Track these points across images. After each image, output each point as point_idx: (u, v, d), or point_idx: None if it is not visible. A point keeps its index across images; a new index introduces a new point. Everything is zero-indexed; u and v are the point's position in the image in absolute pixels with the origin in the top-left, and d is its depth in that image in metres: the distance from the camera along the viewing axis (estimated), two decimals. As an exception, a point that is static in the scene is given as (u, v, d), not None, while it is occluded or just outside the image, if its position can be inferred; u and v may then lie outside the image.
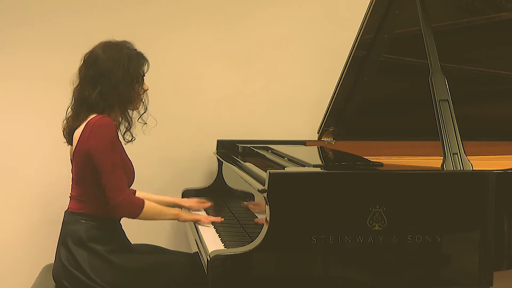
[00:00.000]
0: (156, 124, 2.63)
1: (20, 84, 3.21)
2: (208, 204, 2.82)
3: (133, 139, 2.57)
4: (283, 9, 3.42)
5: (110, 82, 2.35)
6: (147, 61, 2.47)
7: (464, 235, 2.14)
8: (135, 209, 2.37)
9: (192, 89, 3.37)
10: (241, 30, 3.40)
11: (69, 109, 2.46)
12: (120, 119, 2.46)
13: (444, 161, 2.21)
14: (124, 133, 2.51)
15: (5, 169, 3.22)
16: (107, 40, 2.44)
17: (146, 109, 2.52)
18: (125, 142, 2.53)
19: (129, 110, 2.48)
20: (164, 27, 3.31)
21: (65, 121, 2.47)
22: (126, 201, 2.33)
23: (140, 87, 2.44)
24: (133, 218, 2.41)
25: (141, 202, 2.39)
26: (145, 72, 2.46)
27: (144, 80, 2.48)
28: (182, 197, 3.12)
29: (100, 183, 2.33)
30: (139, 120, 2.53)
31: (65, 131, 2.47)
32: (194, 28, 3.35)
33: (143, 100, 2.49)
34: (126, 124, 2.48)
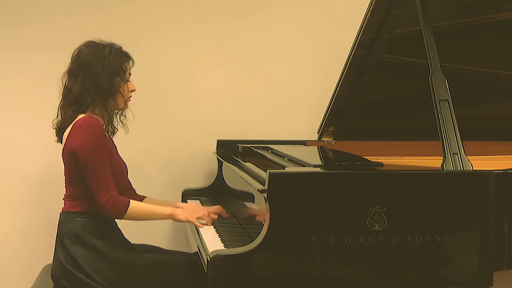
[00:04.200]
0: (133, 119, 2.62)
1: (19, 84, 3.21)
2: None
3: (116, 130, 2.57)
4: (283, 9, 3.42)
5: (90, 74, 2.41)
6: (132, 59, 2.52)
7: (464, 235, 2.14)
8: (120, 209, 2.37)
9: (192, 89, 3.37)
10: (241, 30, 3.40)
11: (59, 107, 2.50)
12: (104, 113, 2.47)
13: (444, 161, 2.21)
14: (106, 127, 2.50)
15: (5, 169, 3.22)
16: (94, 39, 2.50)
17: (126, 103, 2.54)
18: (109, 135, 2.55)
19: (112, 109, 2.49)
20: (164, 27, 3.31)
21: (56, 120, 2.50)
22: (110, 202, 2.34)
23: (121, 81, 2.46)
24: (119, 218, 2.42)
25: (126, 203, 2.38)
26: (128, 68, 2.49)
27: (131, 81, 2.52)
28: (182, 197, 3.12)
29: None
30: (119, 115, 2.56)
31: (56, 130, 2.50)
32: (194, 28, 3.35)
33: (128, 99, 2.52)
34: (107, 116, 2.48)
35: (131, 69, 2.53)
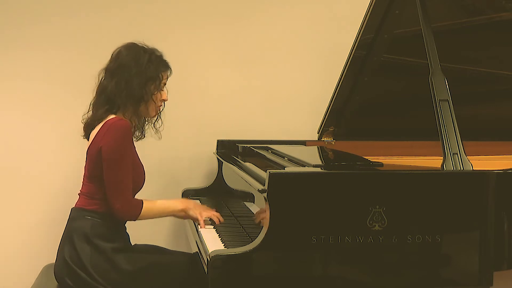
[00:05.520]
0: (163, 128, 2.67)
1: (23, 84, 3.21)
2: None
3: (143, 136, 2.61)
4: (283, 9, 3.42)
5: (125, 76, 2.42)
6: (170, 69, 2.52)
7: (464, 235, 2.13)
8: (133, 212, 2.39)
9: (192, 89, 3.37)
10: (241, 30, 3.40)
11: (91, 103, 2.51)
12: (133, 118, 2.49)
13: (444, 161, 2.21)
14: (134, 131, 2.54)
15: (6, 169, 3.21)
16: (136, 41, 2.51)
17: (159, 116, 2.58)
18: (135, 140, 2.57)
19: (143, 115, 2.52)
20: (164, 27, 3.31)
21: (86, 115, 2.52)
22: (124, 207, 2.36)
23: (155, 89, 2.47)
24: (133, 220, 2.43)
25: (139, 205, 2.40)
26: (164, 77, 2.50)
27: (165, 90, 2.52)
28: (182, 197, 3.12)
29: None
30: (152, 122, 2.59)
31: (85, 125, 2.51)
32: (194, 28, 3.35)
33: (159, 108, 2.54)
34: (136, 122, 2.52)
35: (168, 78, 2.54)
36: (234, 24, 3.39)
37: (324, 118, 3.14)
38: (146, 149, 3.26)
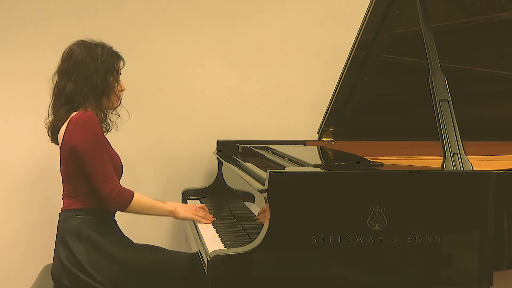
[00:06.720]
0: (129, 118, 2.66)
1: (23, 84, 3.21)
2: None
3: (111, 128, 2.61)
4: (283, 9, 3.42)
5: (84, 73, 2.42)
6: (123, 59, 2.53)
7: (464, 235, 2.13)
8: (124, 199, 2.38)
9: (193, 89, 3.37)
10: (241, 30, 3.40)
11: (50, 107, 2.51)
12: (97, 112, 2.49)
13: (444, 161, 2.21)
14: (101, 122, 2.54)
15: (6, 170, 3.22)
16: (84, 38, 2.51)
17: (120, 102, 2.57)
18: (104, 133, 2.56)
19: (106, 108, 2.52)
20: (164, 27, 3.31)
21: (47, 119, 2.52)
22: (114, 192, 2.35)
23: (114, 81, 2.48)
24: (123, 210, 2.42)
25: (130, 194, 2.40)
26: (120, 68, 2.51)
27: (122, 81, 2.53)
28: (182, 197, 3.13)
29: (89, 177, 2.36)
30: (113, 113, 2.59)
31: (49, 130, 2.52)
32: (194, 28, 3.35)
33: (119, 98, 2.54)
34: (101, 115, 2.52)
35: (122, 69, 2.54)
36: (234, 24, 3.39)
37: (324, 118, 3.14)
38: (146, 149, 3.28)
